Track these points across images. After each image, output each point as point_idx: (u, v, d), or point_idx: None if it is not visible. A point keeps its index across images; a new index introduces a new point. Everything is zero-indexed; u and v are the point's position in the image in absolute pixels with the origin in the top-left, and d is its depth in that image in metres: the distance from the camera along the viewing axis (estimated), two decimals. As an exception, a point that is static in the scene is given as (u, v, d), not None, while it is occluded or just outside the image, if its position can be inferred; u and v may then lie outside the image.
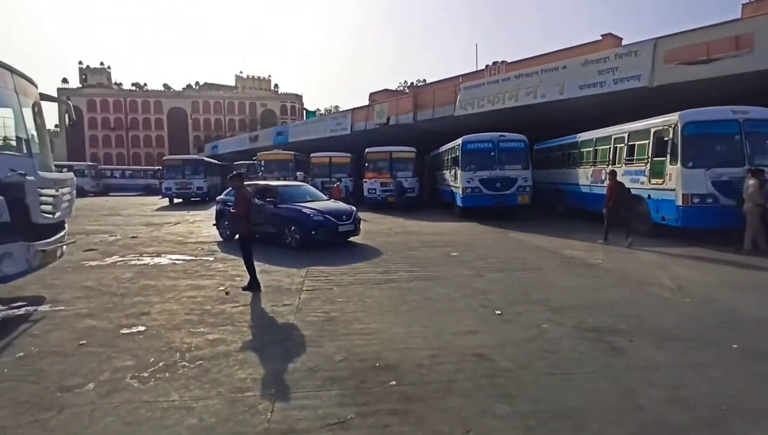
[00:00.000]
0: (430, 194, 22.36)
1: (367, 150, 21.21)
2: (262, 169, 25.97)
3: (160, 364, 3.90)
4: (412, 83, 65.11)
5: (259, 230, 8.90)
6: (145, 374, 3.70)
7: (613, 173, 10.30)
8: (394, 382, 3.52)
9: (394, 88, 49.12)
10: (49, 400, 3.28)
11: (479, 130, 16.46)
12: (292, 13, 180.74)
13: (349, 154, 24.75)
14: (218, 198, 12.59)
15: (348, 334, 4.62)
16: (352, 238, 10.75)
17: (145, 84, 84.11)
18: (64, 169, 33.77)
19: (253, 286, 6.46)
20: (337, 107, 68.58)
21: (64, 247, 6.52)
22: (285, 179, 22.05)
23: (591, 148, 13.92)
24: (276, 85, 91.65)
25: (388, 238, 11.77)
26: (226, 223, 11.02)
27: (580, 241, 10.57)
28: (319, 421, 2.96)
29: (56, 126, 68.07)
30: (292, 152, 27.19)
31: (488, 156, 15.26)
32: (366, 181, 20.67)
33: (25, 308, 5.62)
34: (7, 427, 2.94)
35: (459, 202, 15.88)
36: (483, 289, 6.36)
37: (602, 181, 12.33)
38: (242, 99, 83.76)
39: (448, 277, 7.12)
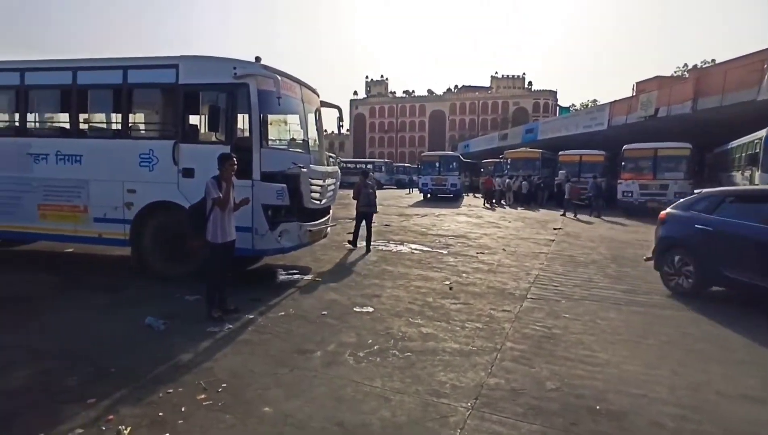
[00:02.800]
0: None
1: (625, 147, 18.30)
2: (508, 167, 25.61)
3: (375, 348, 4.13)
4: (694, 65, 53.10)
5: None
6: (361, 354, 3.97)
7: None
8: (617, 438, 2.77)
9: (668, 75, 40.96)
10: (288, 359, 3.86)
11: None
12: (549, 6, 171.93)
13: (602, 152, 21.93)
14: None
15: (568, 359, 3.94)
16: (588, 244, 9.37)
17: (413, 91, 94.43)
18: (368, 166, 40.95)
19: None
20: (594, 102, 61.88)
21: (328, 228, 7.74)
22: (529, 178, 21.15)
23: None
24: (530, 83, 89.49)
25: (644, 250, 9.80)
26: None
27: None
28: (512, 456, 2.56)
29: (347, 130, 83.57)
30: (540, 150, 25.85)
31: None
32: (621, 183, 17.87)
33: (296, 276, 6.90)
34: (255, 373, 3.58)
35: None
36: (785, 338, 4.53)
37: None
38: (495, 98, 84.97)
39: (725, 313, 5.38)
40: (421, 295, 5.95)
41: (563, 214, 17.75)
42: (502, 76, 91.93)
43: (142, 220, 6.23)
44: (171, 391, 3.25)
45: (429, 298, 5.81)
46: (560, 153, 23.33)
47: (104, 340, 4.22)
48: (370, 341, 4.29)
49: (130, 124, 6.53)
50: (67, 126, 6.74)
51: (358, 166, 40.58)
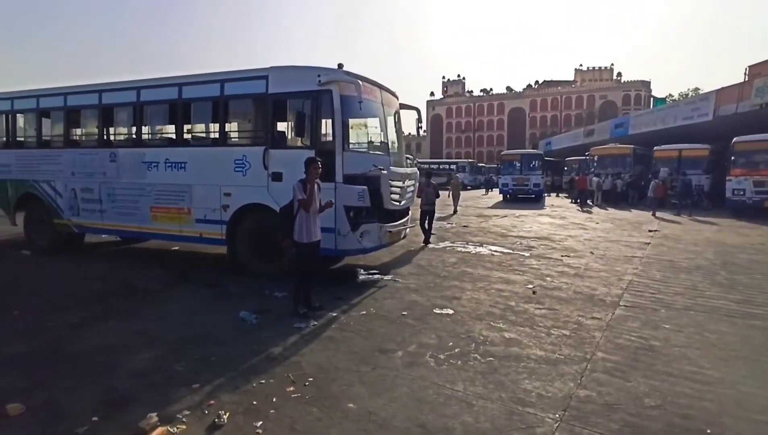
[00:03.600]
0: None
1: (735, 139, 16.32)
2: (595, 164, 24.02)
3: (456, 351, 4.09)
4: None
5: None
6: (442, 356, 3.96)
7: None
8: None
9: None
10: (370, 357, 3.96)
11: None
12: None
13: (706, 146, 19.73)
14: None
15: (670, 375, 3.61)
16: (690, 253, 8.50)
17: (491, 89, 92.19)
18: (452, 166, 40.66)
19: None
20: (696, 90, 55.88)
21: (407, 229, 7.81)
22: (619, 176, 19.64)
23: None
24: (619, 74, 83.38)
25: (760, 255, 8.71)
26: None
27: None
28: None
29: (424, 131, 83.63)
30: (631, 146, 23.85)
31: None
32: (731, 180, 15.98)
33: (376, 276, 7.04)
34: (339, 369, 3.72)
35: None
36: None
37: None
38: (580, 93, 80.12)
39: None
40: (503, 299, 5.80)
41: (653, 214, 16.51)
42: (588, 68, 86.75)
43: (236, 221, 6.73)
44: (263, 381, 3.48)
45: (511, 302, 5.64)
46: (655, 148, 21.43)
47: (206, 330, 4.62)
48: (451, 344, 4.26)
49: (226, 133, 7.08)
50: (174, 136, 7.48)
51: (441, 167, 40.42)
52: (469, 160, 49.11)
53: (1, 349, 4.10)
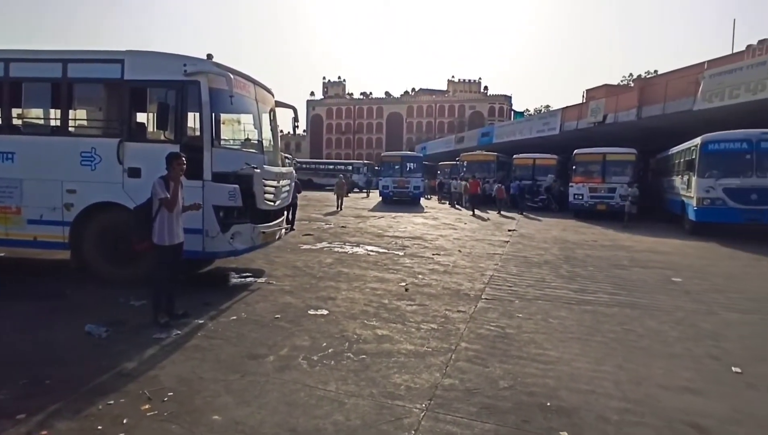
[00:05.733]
0: (652, 204, 18.85)
1: (576, 151, 19.19)
2: (464, 169, 26.14)
3: (329, 351, 4.09)
4: (639, 75, 56.46)
5: None
6: (315, 358, 3.93)
7: None
8: (565, 433, 2.88)
9: (615, 83, 43.28)
10: (239, 364, 3.76)
11: (725, 127, 13.11)
12: (505, 10, 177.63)
13: (555, 156, 22.86)
14: None
15: (520, 358, 4.06)
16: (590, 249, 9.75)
17: (371, 92, 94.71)
18: (348, 167, 39.46)
19: None
20: (547, 107, 64.51)
21: (282, 230, 7.61)
22: (484, 180, 21.67)
23: None
24: (486, 88, 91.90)
25: (593, 250, 10.31)
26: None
27: None
28: (464, 455, 2.60)
29: (304, 130, 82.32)
30: (495, 153, 26.60)
31: (740, 160, 12.05)
32: (572, 186, 18.72)
33: (249, 279, 6.73)
34: (204, 380, 3.46)
35: (691, 216, 12.98)
36: (714, 333, 4.88)
37: None
38: (452, 102, 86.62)
39: (663, 309, 5.74)
40: (377, 297, 5.97)
41: (499, 212, 19.82)
42: (459, 80, 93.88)
43: (83, 221, 5.88)
44: (112, 402, 3.08)
45: (385, 300, 5.83)
46: (515, 156, 24.10)
47: (40, 349, 3.96)
48: (324, 344, 4.25)
49: (69, 121, 6.14)
50: (-2, 121, 6.27)
51: (336, 168, 39.88)
52: (366, 162, 47.42)
53: None
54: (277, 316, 5.03)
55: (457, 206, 23.88)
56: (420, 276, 7.29)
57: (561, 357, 4.13)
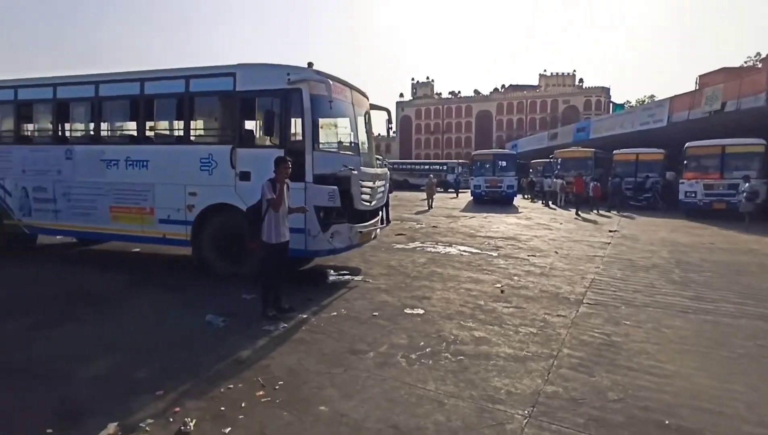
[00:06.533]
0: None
1: (688, 144, 17.23)
2: (559, 167, 24.73)
3: (427, 350, 4.11)
4: (768, 55, 48.83)
5: None
6: (413, 356, 3.97)
7: None
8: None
9: (736, 66, 37.95)
10: (341, 358, 3.92)
11: None
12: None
13: (661, 151, 20.72)
14: None
15: (631, 369, 3.75)
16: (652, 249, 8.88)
17: (459, 91, 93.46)
18: (444, 167, 39.73)
19: None
20: (652, 97, 58.49)
21: (378, 230, 7.79)
22: (581, 177, 20.25)
23: None
24: (581, 80, 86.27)
25: (710, 254, 9.19)
26: None
27: None
28: (574, 468, 2.47)
29: (394, 132, 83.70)
30: (592, 149, 24.74)
31: None
32: (683, 183, 16.82)
33: (347, 277, 6.99)
34: (310, 371, 3.66)
35: None
36: None
37: None
38: (544, 97, 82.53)
39: (810, 324, 4.94)
40: (472, 298, 5.87)
41: (597, 212, 18.58)
42: (551, 73, 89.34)
43: (202, 221, 6.54)
44: (231, 386, 3.39)
45: (480, 301, 5.72)
46: (615, 152, 22.29)
47: (169, 335, 4.46)
48: (422, 344, 4.27)
49: (191, 131, 6.87)
50: (135, 133, 7.19)
51: (432, 168, 40.17)
52: (460, 161, 45.34)
53: (-56, 358, 3.83)
54: (374, 313, 5.16)
55: (551, 205, 22.67)
56: (515, 278, 7.05)
57: (678, 371, 3.74)
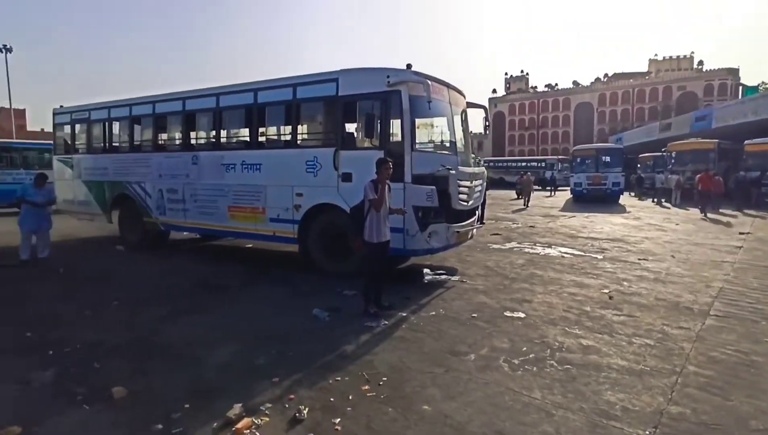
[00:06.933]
0: None
1: None
2: (673, 161, 22.29)
3: (531, 356, 3.98)
4: None
5: None
6: (516, 361, 3.87)
7: None
8: None
9: None
10: (442, 359, 3.95)
11: None
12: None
13: None
14: None
15: (777, 396, 3.29)
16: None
17: (556, 84, 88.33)
18: (542, 164, 38.63)
19: None
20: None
21: (474, 230, 7.69)
22: (709, 173, 18.07)
23: None
24: (700, 63, 76.54)
25: None
26: None
27: None
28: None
29: (486, 129, 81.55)
30: (715, 141, 21.84)
31: None
32: None
33: (444, 276, 7.00)
34: (411, 370, 3.74)
35: None
36: None
37: None
38: (654, 84, 74.74)
39: None
40: (577, 303, 5.56)
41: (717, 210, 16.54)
42: (664, 57, 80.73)
43: (307, 220, 6.96)
44: (339, 379, 3.58)
45: (586, 307, 5.39)
46: (747, 142, 19.56)
47: (281, 326, 4.83)
48: (525, 349, 4.15)
49: (298, 135, 7.34)
50: (249, 139, 7.86)
51: (529, 165, 38.88)
52: (560, 157, 43.09)
53: (108, 337, 4.52)
54: (473, 314, 5.12)
55: (664, 204, 20.57)
56: (625, 283, 6.52)
57: None
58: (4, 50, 33.38)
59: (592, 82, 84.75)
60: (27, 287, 6.51)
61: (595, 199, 21.74)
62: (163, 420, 2.99)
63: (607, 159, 22.70)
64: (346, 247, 6.23)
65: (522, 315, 5.12)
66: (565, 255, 8.72)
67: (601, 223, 13.74)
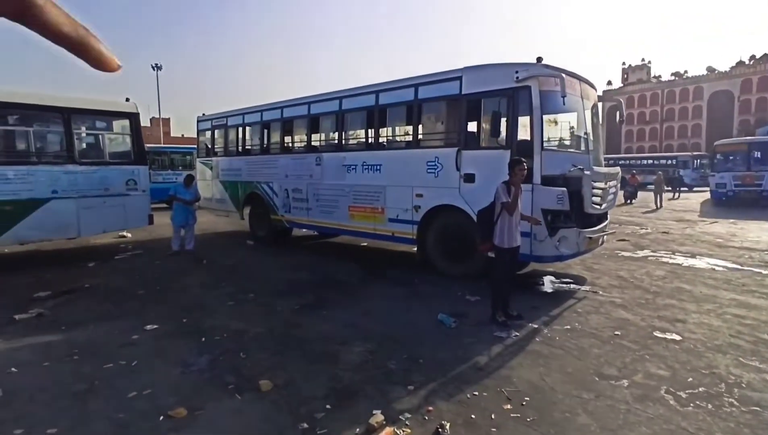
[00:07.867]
0: None
1: None
2: None
3: (700, 389, 3.42)
4: None
5: None
6: (682, 394, 3.34)
7: None
8: None
9: None
10: (589, 382, 3.56)
11: None
12: None
13: None
14: None
15: None
16: None
17: (686, 71, 78.24)
18: (673, 161, 35.27)
19: None
20: None
21: (605, 236, 7.00)
22: None
23: None
24: None
25: None
26: None
27: None
28: None
29: (621, 124, 75.07)
30: None
31: None
32: None
33: (572, 285, 6.46)
34: (556, 391, 3.41)
35: None
36: None
37: None
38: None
39: None
40: (748, 328, 4.72)
41: None
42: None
43: (427, 221, 6.87)
44: (476, 393, 3.38)
45: (762, 334, 4.55)
46: None
47: (407, 328, 4.77)
48: (690, 379, 3.58)
49: (419, 135, 7.28)
50: (371, 140, 7.99)
51: (658, 162, 35.34)
52: (697, 153, 37.75)
53: (250, 327, 4.84)
54: (616, 332, 4.59)
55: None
56: (809, 308, 5.42)
57: None
58: (155, 68, 38.39)
59: (732, 67, 73.51)
60: (180, 276, 7.29)
61: (743, 202, 18.61)
62: (308, 419, 3.05)
63: (760, 155, 18.99)
64: (465, 250, 6.01)
65: (677, 337, 4.47)
66: (717, 268, 7.56)
67: (756, 231, 11.77)
